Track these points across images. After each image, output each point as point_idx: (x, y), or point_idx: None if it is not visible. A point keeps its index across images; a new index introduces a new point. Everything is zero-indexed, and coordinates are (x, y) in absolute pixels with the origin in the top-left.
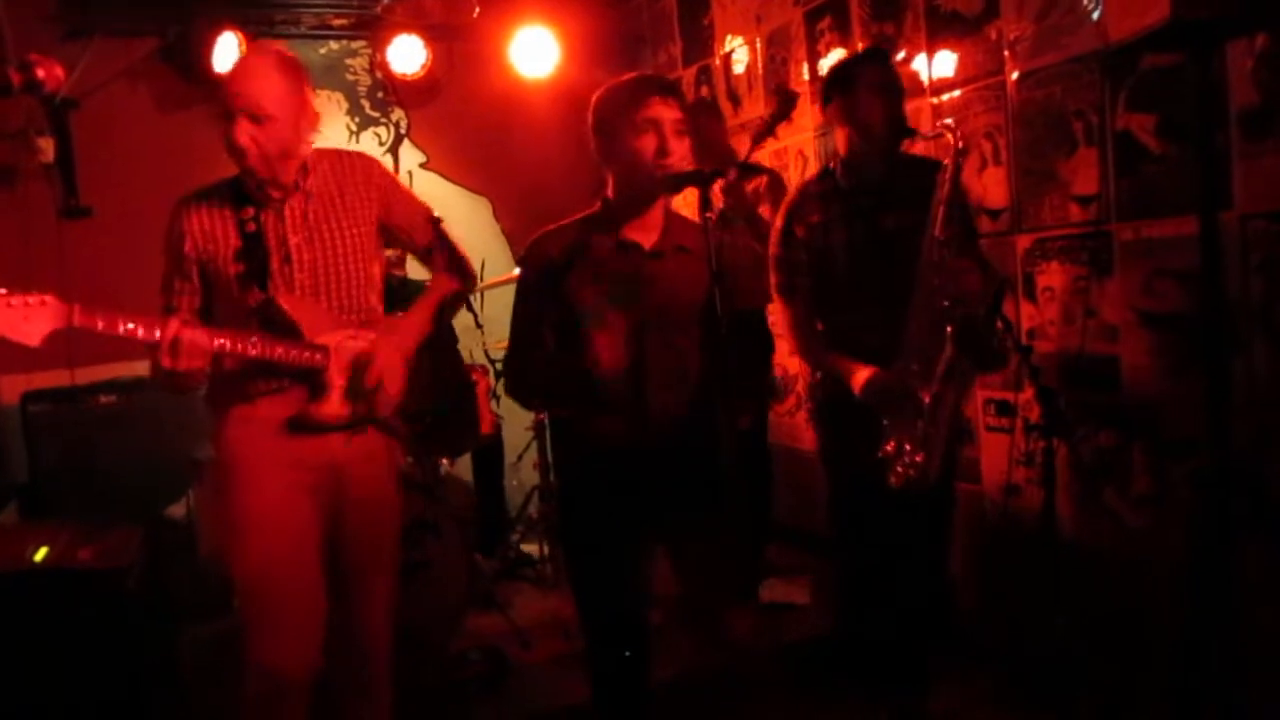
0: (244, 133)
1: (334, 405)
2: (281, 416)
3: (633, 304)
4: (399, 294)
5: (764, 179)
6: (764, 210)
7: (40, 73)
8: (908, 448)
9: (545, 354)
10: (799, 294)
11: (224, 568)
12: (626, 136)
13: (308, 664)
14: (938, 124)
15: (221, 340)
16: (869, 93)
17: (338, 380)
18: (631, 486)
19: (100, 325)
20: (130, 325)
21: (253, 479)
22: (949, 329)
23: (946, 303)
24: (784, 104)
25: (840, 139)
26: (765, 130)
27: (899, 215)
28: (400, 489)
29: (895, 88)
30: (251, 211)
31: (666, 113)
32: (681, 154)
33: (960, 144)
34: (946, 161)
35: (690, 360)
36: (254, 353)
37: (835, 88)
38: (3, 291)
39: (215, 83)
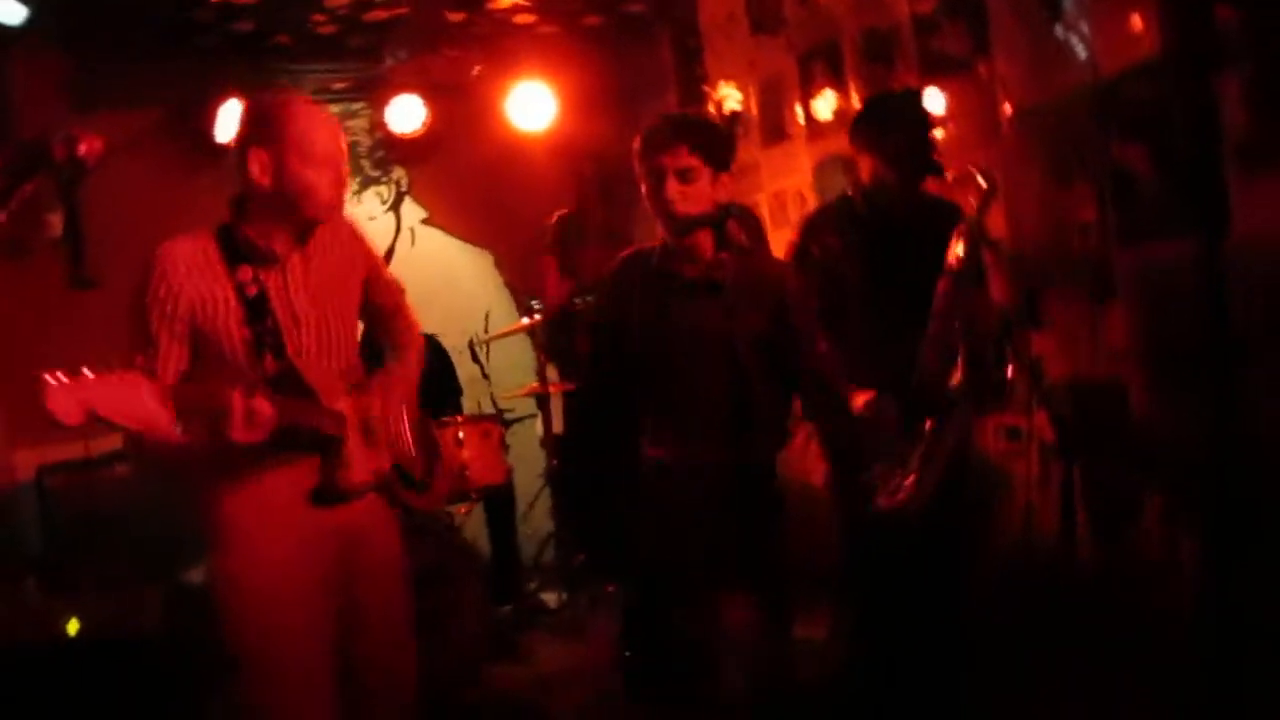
0: (332, 185)
1: (359, 471)
2: (292, 489)
3: (678, 333)
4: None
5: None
6: (743, 242)
7: (83, 148)
8: (898, 471)
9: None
10: None
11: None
12: (640, 184)
13: None
14: (968, 167)
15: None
16: (899, 125)
17: (357, 446)
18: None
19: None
20: (220, 400)
21: (264, 560)
22: (959, 358)
23: (958, 333)
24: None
25: (864, 169)
26: None
27: (915, 249)
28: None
29: (925, 123)
30: (250, 273)
31: (667, 161)
32: (689, 197)
33: (986, 187)
34: (971, 202)
35: (726, 393)
36: (289, 421)
37: (868, 117)
38: (102, 371)
39: (291, 138)
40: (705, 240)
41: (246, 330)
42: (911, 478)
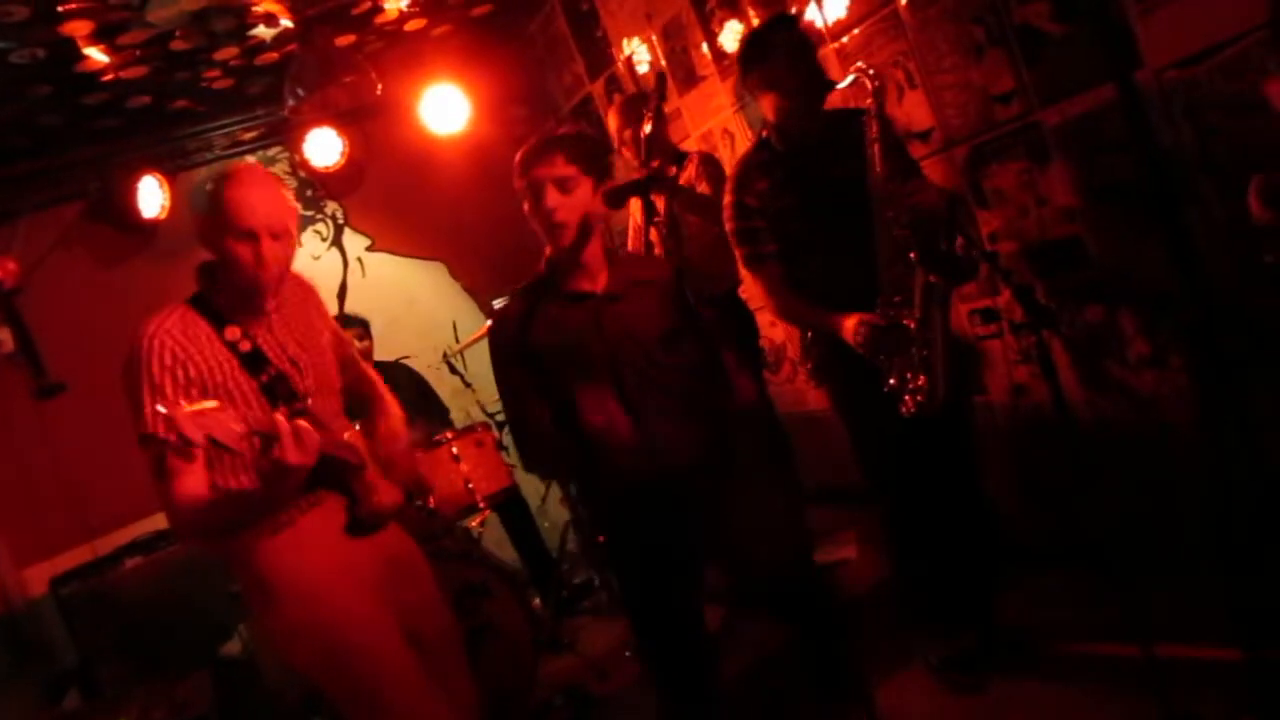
0: (269, 250)
1: (386, 495)
2: (326, 529)
3: (604, 345)
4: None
5: (694, 160)
6: (704, 190)
7: None
8: (909, 375)
9: (546, 431)
10: (767, 260)
11: (303, 691)
12: (525, 203)
13: None
14: (851, 69)
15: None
16: (783, 56)
17: (376, 474)
18: (662, 519)
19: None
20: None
21: (329, 599)
22: (913, 255)
23: (906, 231)
24: (659, 88)
25: (767, 106)
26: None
27: (842, 167)
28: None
29: (807, 45)
30: (238, 331)
31: (544, 172)
32: (568, 206)
33: (876, 82)
34: (869, 102)
35: (677, 382)
36: (330, 451)
37: (751, 58)
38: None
39: (221, 211)
40: (595, 247)
41: (254, 382)
42: (922, 378)
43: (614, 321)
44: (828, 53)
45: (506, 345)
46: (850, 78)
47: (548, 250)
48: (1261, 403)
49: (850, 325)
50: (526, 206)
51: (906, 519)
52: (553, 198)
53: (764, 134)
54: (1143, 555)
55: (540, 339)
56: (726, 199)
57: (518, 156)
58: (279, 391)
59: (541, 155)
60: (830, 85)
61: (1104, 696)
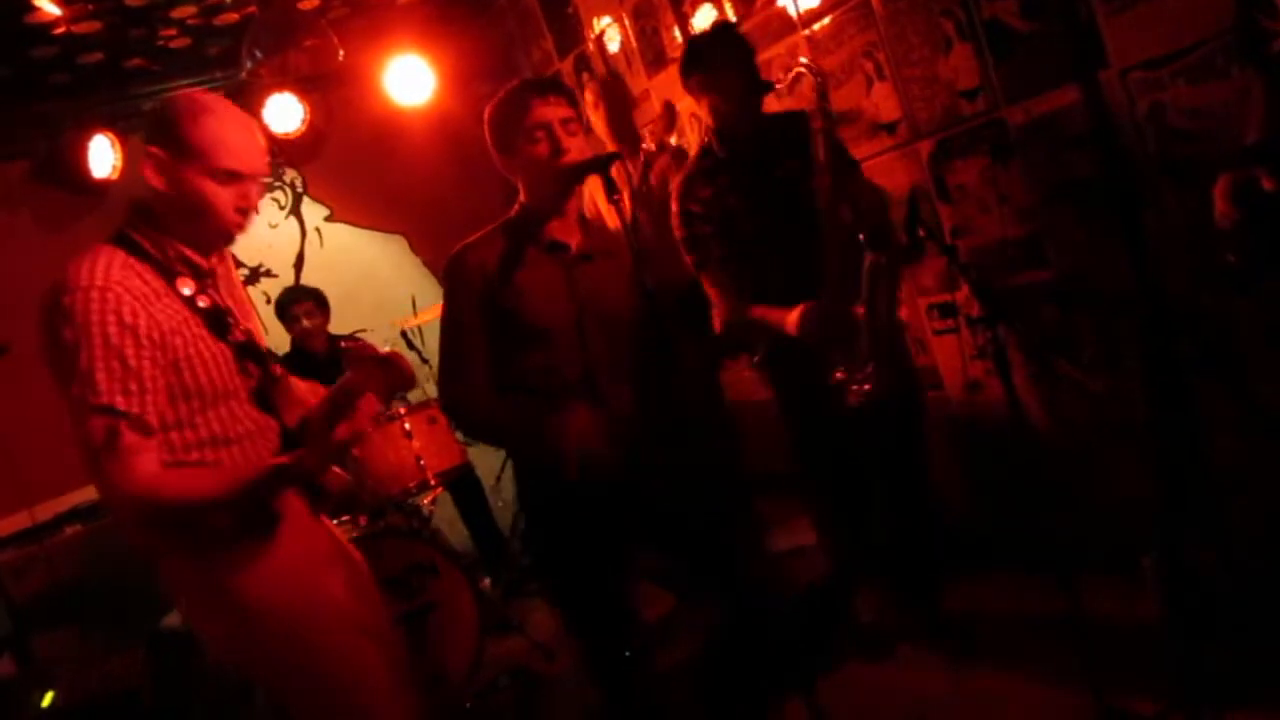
0: (254, 195)
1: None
2: (276, 523)
3: (573, 302)
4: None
5: (665, 157)
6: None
7: None
8: (857, 364)
9: (487, 394)
10: (715, 265)
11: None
12: (522, 145)
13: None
14: (793, 67)
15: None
16: (722, 64)
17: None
18: (603, 499)
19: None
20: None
21: (295, 576)
22: (861, 237)
23: (850, 220)
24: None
25: (706, 111)
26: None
27: (784, 167)
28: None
29: (746, 51)
30: (192, 284)
31: (553, 112)
32: (577, 149)
33: (819, 78)
34: (811, 92)
35: (632, 356)
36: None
37: (690, 65)
38: None
39: (192, 145)
40: (576, 201)
41: (222, 343)
42: (871, 367)
43: (584, 280)
44: (798, 40)
45: (469, 277)
46: (793, 77)
47: (522, 196)
48: (1211, 404)
49: (793, 319)
50: (527, 148)
51: (841, 520)
52: (564, 138)
53: (705, 140)
54: (1088, 552)
55: (511, 279)
56: (673, 207)
57: (504, 100)
58: (251, 355)
59: (544, 94)
60: (769, 87)
61: (1043, 691)
